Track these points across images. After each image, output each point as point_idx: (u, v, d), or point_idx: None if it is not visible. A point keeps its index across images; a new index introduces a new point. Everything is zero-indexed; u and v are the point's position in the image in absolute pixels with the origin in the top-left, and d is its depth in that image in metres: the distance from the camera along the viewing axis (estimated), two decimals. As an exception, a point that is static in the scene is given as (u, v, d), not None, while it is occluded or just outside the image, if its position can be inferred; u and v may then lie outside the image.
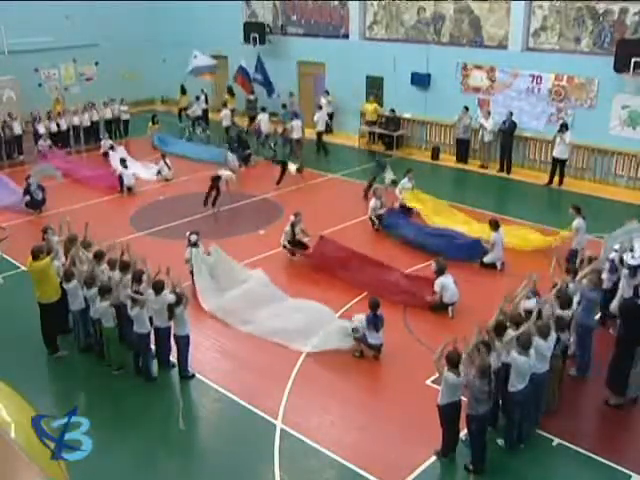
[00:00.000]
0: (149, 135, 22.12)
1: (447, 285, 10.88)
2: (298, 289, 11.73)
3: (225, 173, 16.18)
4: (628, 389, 8.57)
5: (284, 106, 21.95)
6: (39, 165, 18.04)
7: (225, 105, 22.54)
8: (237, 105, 23.60)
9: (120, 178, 17.37)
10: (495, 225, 12.46)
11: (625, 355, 8.47)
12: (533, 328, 7.80)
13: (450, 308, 10.90)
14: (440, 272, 10.93)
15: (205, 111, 23.56)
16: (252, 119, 22.38)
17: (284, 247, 13.07)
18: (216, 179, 15.87)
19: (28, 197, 15.97)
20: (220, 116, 22.09)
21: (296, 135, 19.77)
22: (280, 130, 20.43)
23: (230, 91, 23.75)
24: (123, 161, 17.69)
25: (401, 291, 11.40)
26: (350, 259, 12.31)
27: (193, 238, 11.85)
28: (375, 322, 9.58)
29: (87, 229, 10.84)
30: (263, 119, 20.83)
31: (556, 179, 17.08)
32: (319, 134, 20.65)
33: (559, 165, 16.99)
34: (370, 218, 14.43)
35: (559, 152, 16.80)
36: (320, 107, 21.07)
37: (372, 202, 14.31)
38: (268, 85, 23.21)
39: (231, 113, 22.08)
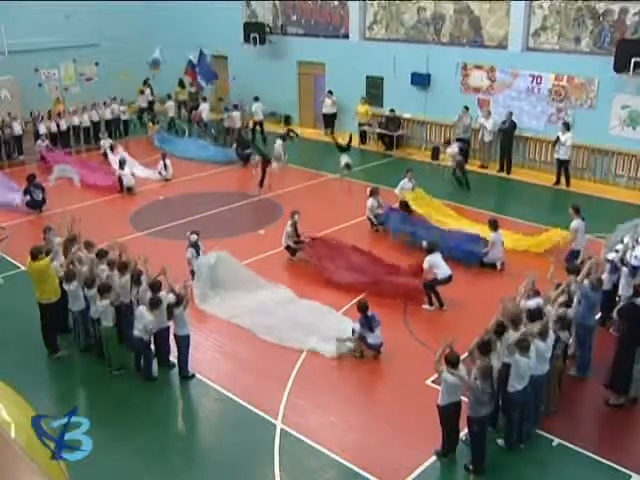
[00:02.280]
0: (150, 135, 22.16)
1: (437, 262, 10.98)
2: (298, 289, 11.73)
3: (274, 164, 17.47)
4: (630, 389, 8.58)
5: (221, 99, 23.79)
6: (61, 165, 18.17)
7: (169, 97, 24.03)
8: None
9: (120, 178, 17.36)
10: (494, 225, 12.47)
11: (627, 355, 8.50)
12: (533, 330, 7.80)
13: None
14: (430, 250, 11.06)
15: (151, 103, 24.91)
16: (192, 109, 24.01)
17: (286, 248, 13.06)
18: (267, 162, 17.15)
19: (28, 197, 15.97)
20: (164, 107, 23.76)
21: (238, 124, 21.80)
22: (219, 118, 22.61)
23: (181, 83, 25.19)
24: (122, 163, 17.68)
25: (397, 283, 11.45)
26: (343, 256, 12.34)
27: (193, 238, 11.85)
28: (369, 324, 9.59)
29: (72, 224, 10.88)
30: (205, 108, 22.78)
31: (563, 179, 17.04)
32: (258, 123, 22.23)
33: (562, 166, 16.95)
34: (368, 218, 14.44)
35: (560, 153, 16.80)
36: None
37: (369, 201, 14.32)
38: (208, 77, 24.46)
39: (180, 104, 24.61)
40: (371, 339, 9.66)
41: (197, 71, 24.11)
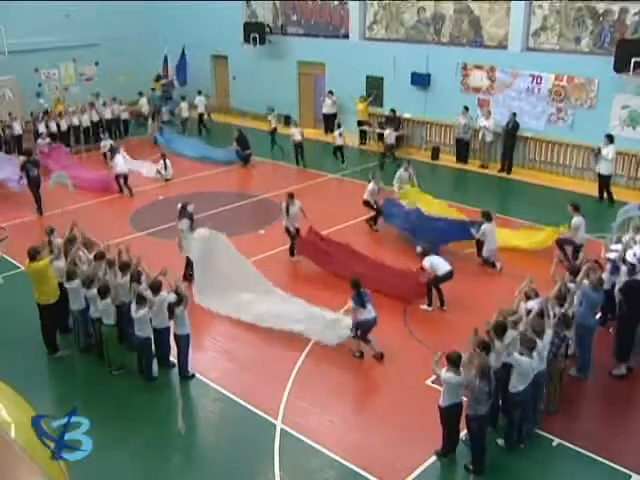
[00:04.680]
0: (149, 134, 22.16)
1: (436, 261, 11.02)
2: (297, 289, 11.72)
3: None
4: (631, 358, 9.27)
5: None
6: (58, 172, 18.12)
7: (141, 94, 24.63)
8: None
9: (117, 180, 17.25)
10: (487, 216, 12.41)
11: (627, 331, 9.20)
12: (529, 328, 7.81)
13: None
14: (425, 254, 11.09)
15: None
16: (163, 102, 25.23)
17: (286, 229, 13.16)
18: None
19: (24, 178, 16.03)
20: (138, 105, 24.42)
21: (184, 114, 23.38)
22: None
23: (158, 78, 26.00)
24: (113, 151, 17.56)
25: (395, 282, 11.46)
26: (339, 254, 12.37)
27: (191, 208, 11.90)
28: (361, 300, 9.53)
29: (72, 227, 10.90)
30: (143, 103, 24.03)
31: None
32: (200, 115, 23.63)
33: (604, 181, 15.96)
34: (366, 201, 14.44)
35: (601, 168, 15.84)
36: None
37: (370, 185, 14.42)
38: (182, 75, 25.55)
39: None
40: (364, 315, 9.56)
41: (170, 67, 24.96)
